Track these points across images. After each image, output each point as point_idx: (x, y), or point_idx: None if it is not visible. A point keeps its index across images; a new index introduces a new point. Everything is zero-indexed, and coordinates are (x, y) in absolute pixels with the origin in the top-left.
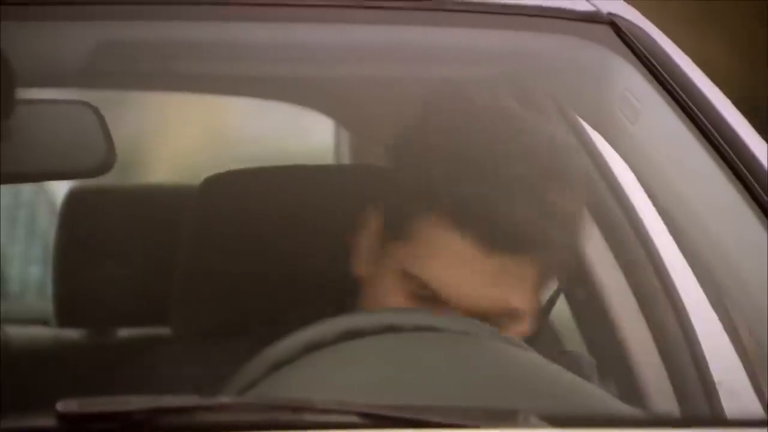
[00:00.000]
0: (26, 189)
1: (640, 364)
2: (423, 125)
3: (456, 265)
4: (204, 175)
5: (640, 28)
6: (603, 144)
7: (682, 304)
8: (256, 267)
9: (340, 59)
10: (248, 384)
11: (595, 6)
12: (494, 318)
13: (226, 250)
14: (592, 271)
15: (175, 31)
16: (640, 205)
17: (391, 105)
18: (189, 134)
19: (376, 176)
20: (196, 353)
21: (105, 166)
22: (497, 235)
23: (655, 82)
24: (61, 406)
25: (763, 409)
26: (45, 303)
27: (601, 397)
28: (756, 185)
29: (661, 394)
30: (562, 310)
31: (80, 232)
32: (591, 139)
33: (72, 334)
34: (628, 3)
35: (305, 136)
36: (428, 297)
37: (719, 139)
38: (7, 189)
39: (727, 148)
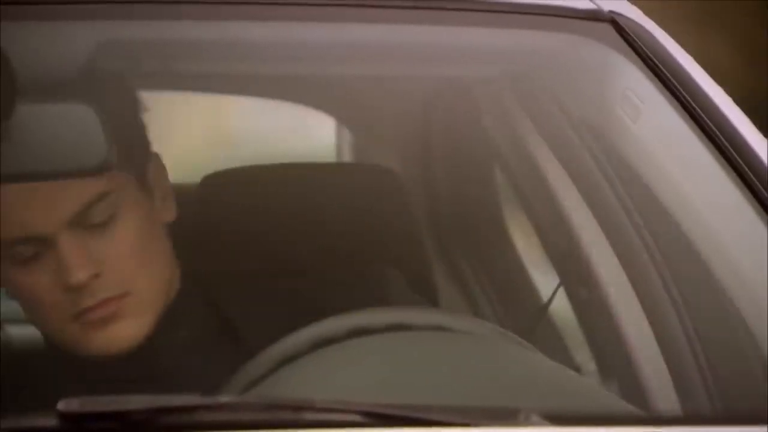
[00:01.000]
0: None
1: (641, 362)
2: None
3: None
4: (205, 174)
5: (642, 27)
6: (608, 141)
7: (683, 301)
8: (256, 264)
9: (342, 58)
10: (252, 381)
11: (596, 4)
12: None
13: (226, 247)
14: (593, 269)
15: (176, 31)
16: (639, 203)
17: (393, 104)
18: (190, 134)
19: (377, 175)
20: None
21: (106, 165)
22: None
23: (657, 81)
24: (62, 405)
25: (764, 408)
26: None
27: (603, 395)
28: (757, 183)
29: (662, 393)
30: (564, 308)
31: None
32: (594, 135)
33: None
34: (630, 1)
35: (307, 135)
36: (34, 246)
37: (720, 137)
38: None
39: (729, 146)
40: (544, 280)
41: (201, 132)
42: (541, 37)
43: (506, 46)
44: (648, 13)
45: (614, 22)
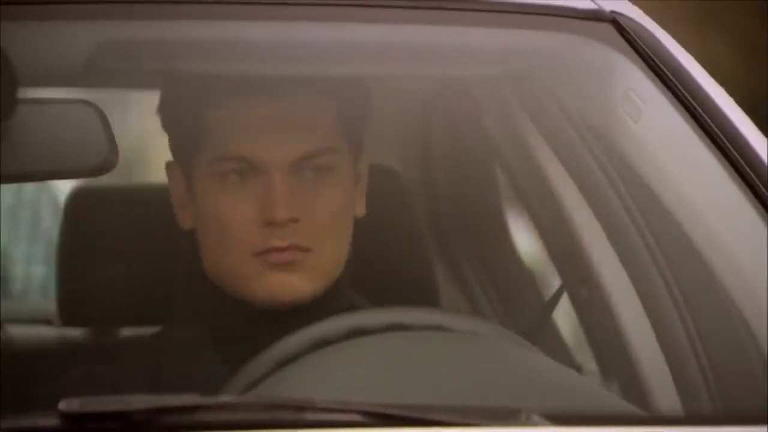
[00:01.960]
0: (29, 188)
1: (642, 362)
2: None
3: (254, 122)
4: None
5: (643, 26)
6: (609, 141)
7: (684, 301)
8: None
9: (343, 58)
10: (252, 382)
11: (597, 4)
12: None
13: None
14: (594, 268)
15: (177, 30)
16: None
17: (394, 103)
18: None
19: (378, 174)
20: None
21: (108, 165)
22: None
23: (658, 80)
24: (63, 405)
25: (764, 408)
26: (48, 302)
27: (604, 395)
28: (758, 183)
29: (663, 393)
30: (565, 308)
31: (83, 231)
32: (595, 135)
33: (75, 333)
34: (631, 1)
35: None
36: (246, 170)
37: (721, 136)
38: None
39: (730, 146)
40: (545, 280)
41: None
42: (542, 37)
43: (507, 46)
44: (648, 12)
45: (615, 22)
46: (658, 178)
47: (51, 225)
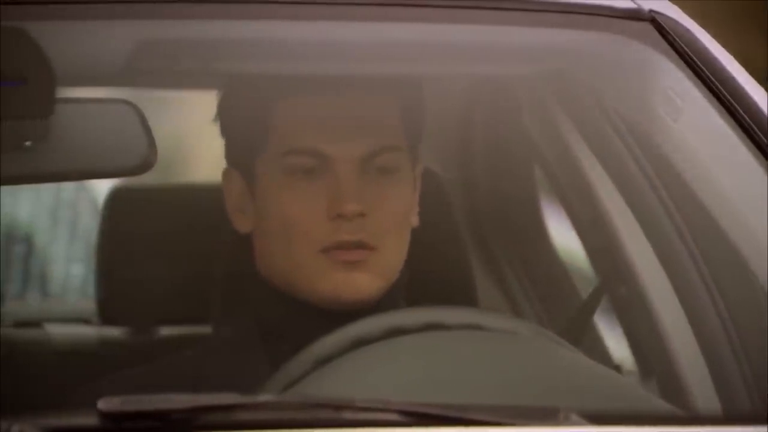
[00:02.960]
0: (68, 188)
1: (681, 361)
2: None
3: (323, 118)
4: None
5: (682, 26)
6: (648, 140)
7: (723, 301)
8: None
9: (385, 56)
10: (291, 381)
11: (636, 3)
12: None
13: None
14: (633, 268)
15: (216, 30)
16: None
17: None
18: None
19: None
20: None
21: (146, 164)
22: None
23: (697, 80)
24: (102, 404)
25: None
26: (87, 302)
27: (642, 395)
28: None
29: (702, 392)
30: (603, 306)
31: (122, 230)
32: (634, 134)
33: (114, 332)
34: (670, 0)
35: None
36: (313, 166)
37: (761, 136)
38: (49, 189)
39: None
40: (584, 279)
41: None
42: (582, 36)
43: (547, 45)
44: (686, 11)
45: (654, 20)
46: (697, 178)
47: (90, 224)
